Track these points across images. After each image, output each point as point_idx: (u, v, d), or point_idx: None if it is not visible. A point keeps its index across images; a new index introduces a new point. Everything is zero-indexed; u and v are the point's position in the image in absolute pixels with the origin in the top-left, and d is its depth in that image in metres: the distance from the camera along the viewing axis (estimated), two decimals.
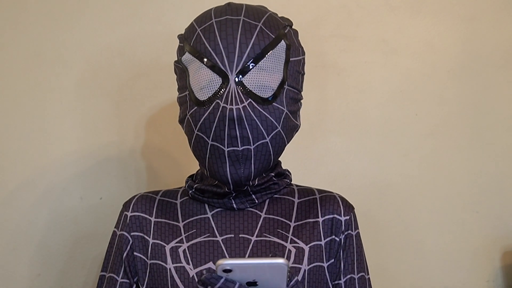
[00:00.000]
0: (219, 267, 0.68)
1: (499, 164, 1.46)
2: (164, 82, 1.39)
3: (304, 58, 0.97)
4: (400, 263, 1.41)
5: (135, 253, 0.95)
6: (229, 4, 0.94)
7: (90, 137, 1.37)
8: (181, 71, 0.95)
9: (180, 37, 0.96)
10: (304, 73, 0.98)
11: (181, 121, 0.96)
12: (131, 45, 1.40)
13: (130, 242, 0.96)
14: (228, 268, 0.68)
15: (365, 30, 1.46)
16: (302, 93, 0.98)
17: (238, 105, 0.86)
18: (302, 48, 0.98)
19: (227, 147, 0.87)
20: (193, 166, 1.39)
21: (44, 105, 1.37)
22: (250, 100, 0.87)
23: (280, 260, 0.67)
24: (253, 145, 0.88)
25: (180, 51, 0.95)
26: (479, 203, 1.44)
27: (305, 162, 1.43)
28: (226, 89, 0.87)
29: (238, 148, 0.87)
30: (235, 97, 0.86)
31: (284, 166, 1.41)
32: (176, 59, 0.98)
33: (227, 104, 0.86)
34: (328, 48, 1.45)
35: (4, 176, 1.34)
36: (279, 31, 0.91)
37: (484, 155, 1.46)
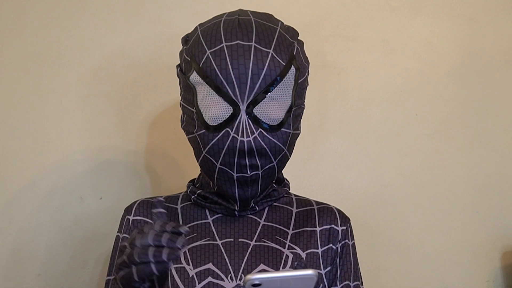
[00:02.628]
0: (248, 282, 0.69)
1: (499, 164, 1.46)
2: (164, 82, 1.39)
3: (308, 71, 0.99)
4: (400, 263, 1.41)
5: None
6: (238, 20, 0.92)
7: (90, 137, 1.37)
8: (187, 85, 0.95)
9: (186, 49, 0.95)
10: (308, 85, 1.00)
11: (185, 130, 0.97)
12: (131, 46, 1.40)
13: None
14: (257, 282, 0.68)
15: (365, 30, 1.46)
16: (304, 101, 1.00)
17: (249, 137, 0.87)
18: (308, 61, 0.98)
19: (236, 173, 0.90)
20: (195, 167, 1.39)
21: (45, 105, 1.37)
22: (260, 130, 0.89)
23: (310, 272, 0.68)
24: (261, 169, 0.91)
25: (186, 66, 0.94)
26: (479, 203, 1.44)
27: (305, 162, 1.43)
28: (236, 120, 0.88)
29: (247, 175, 0.90)
30: (246, 128, 0.88)
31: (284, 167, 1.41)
32: (179, 63, 0.98)
33: (237, 135, 0.87)
34: (328, 48, 1.45)
35: (4, 176, 1.34)
36: (289, 54, 0.92)
37: (484, 155, 1.46)
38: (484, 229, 1.44)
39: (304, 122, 1.42)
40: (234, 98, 0.88)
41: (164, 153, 1.40)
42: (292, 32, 0.97)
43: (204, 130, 0.90)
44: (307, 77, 0.98)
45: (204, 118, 0.90)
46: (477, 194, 1.44)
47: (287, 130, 0.92)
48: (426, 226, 1.43)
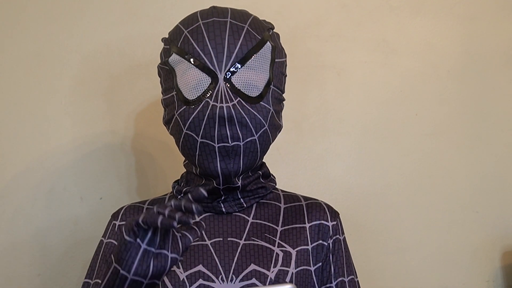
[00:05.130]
0: None
1: (499, 164, 1.46)
2: None
3: (286, 61, 1.00)
4: (400, 262, 1.41)
5: None
6: (214, 7, 0.96)
7: (90, 137, 1.37)
8: (167, 73, 0.96)
9: (165, 40, 0.98)
10: (286, 75, 1.01)
11: (167, 122, 0.97)
12: (131, 45, 1.40)
13: None
14: None
15: (365, 30, 1.46)
16: (284, 94, 1.00)
17: (228, 103, 0.88)
18: (284, 50, 1.00)
19: (218, 143, 0.89)
20: None
21: (44, 105, 1.37)
22: (239, 98, 0.90)
23: (289, 286, 0.69)
24: (243, 141, 0.90)
25: (166, 53, 0.96)
26: (479, 203, 1.44)
27: (305, 162, 1.43)
28: (215, 88, 0.89)
29: (228, 144, 0.89)
30: (225, 95, 0.88)
31: (284, 166, 1.41)
32: (160, 62, 0.99)
33: (217, 103, 0.88)
34: (328, 48, 1.45)
35: (3, 176, 1.34)
36: (264, 32, 0.94)
37: (484, 155, 1.46)
38: (484, 229, 1.44)
39: (304, 122, 1.42)
40: (211, 67, 0.89)
41: (164, 152, 1.40)
42: (267, 22, 0.99)
43: (184, 107, 0.91)
44: (285, 65, 1.00)
45: (184, 94, 0.91)
46: (477, 194, 1.44)
47: (266, 105, 0.92)
48: (426, 226, 1.43)
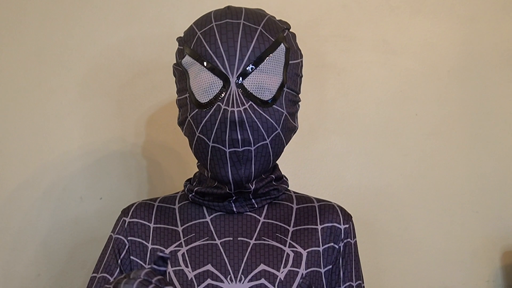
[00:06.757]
0: None
1: (499, 164, 1.46)
2: (164, 82, 1.39)
3: (302, 61, 0.99)
4: (400, 263, 1.41)
5: (131, 257, 0.96)
6: (228, 7, 0.95)
7: (90, 137, 1.38)
8: (181, 74, 0.96)
9: (180, 40, 0.97)
10: (302, 76, 1.00)
11: (181, 123, 0.97)
12: (131, 45, 1.40)
13: (127, 246, 0.96)
14: None
15: (365, 30, 1.46)
16: (300, 95, 0.99)
17: (239, 107, 0.87)
18: (300, 51, 0.99)
19: (228, 148, 0.88)
20: (194, 166, 1.39)
21: (45, 105, 1.37)
22: (250, 102, 0.88)
23: None
24: (254, 146, 0.89)
25: (180, 54, 0.96)
26: (479, 203, 1.44)
27: (305, 162, 1.43)
28: (227, 92, 0.88)
29: (239, 149, 0.88)
30: (236, 99, 0.88)
31: (284, 166, 1.41)
32: (175, 61, 0.99)
33: (228, 107, 0.87)
34: (328, 48, 1.45)
35: (4, 176, 1.34)
36: (279, 34, 0.93)
37: (484, 155, 1.46)
38: (484, 229, 1.44)
39: (304, 122, 1.42)
40: (223, 70, 0.88)
41: (164, 152, 1.40)
42: (283, 22, 0.97)
43: (196, 110, 0.91)
44: (301, 66, 0.98)
45: (196, 97, 0.91)
46: (477, 194, 1.44)
47: (279, 109, 0.91)
48: (426, 226, 1.43)
